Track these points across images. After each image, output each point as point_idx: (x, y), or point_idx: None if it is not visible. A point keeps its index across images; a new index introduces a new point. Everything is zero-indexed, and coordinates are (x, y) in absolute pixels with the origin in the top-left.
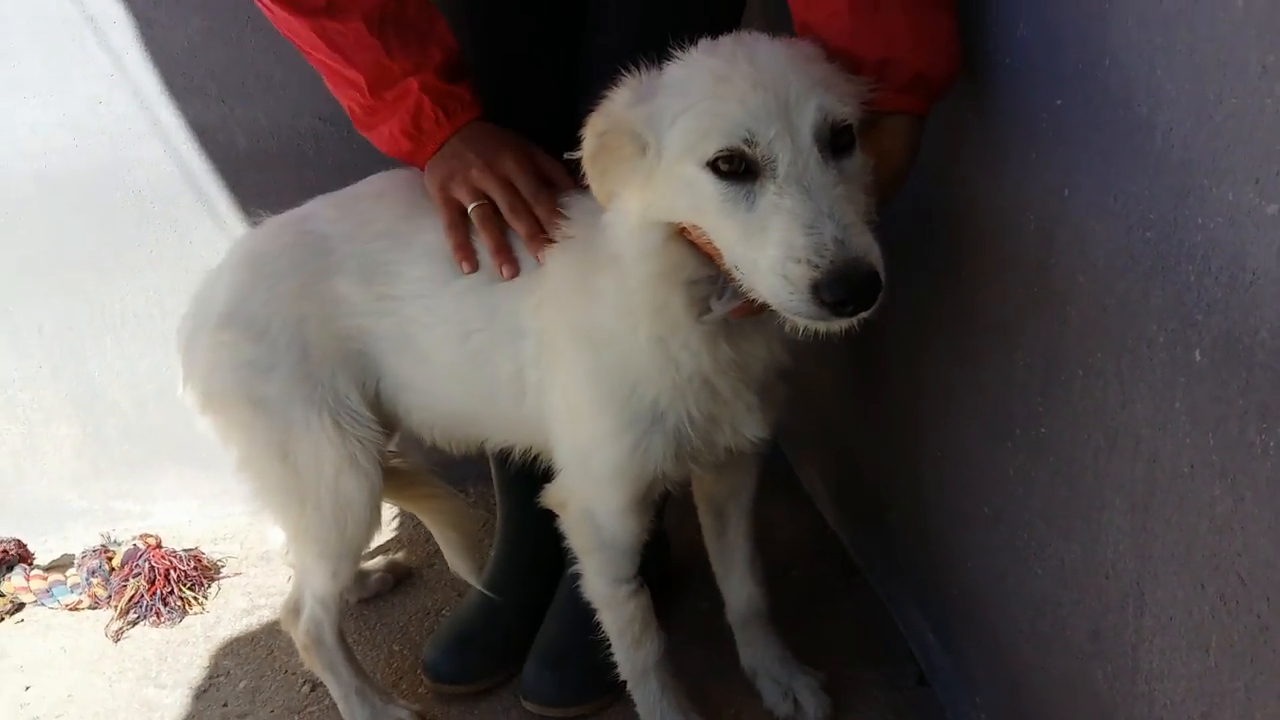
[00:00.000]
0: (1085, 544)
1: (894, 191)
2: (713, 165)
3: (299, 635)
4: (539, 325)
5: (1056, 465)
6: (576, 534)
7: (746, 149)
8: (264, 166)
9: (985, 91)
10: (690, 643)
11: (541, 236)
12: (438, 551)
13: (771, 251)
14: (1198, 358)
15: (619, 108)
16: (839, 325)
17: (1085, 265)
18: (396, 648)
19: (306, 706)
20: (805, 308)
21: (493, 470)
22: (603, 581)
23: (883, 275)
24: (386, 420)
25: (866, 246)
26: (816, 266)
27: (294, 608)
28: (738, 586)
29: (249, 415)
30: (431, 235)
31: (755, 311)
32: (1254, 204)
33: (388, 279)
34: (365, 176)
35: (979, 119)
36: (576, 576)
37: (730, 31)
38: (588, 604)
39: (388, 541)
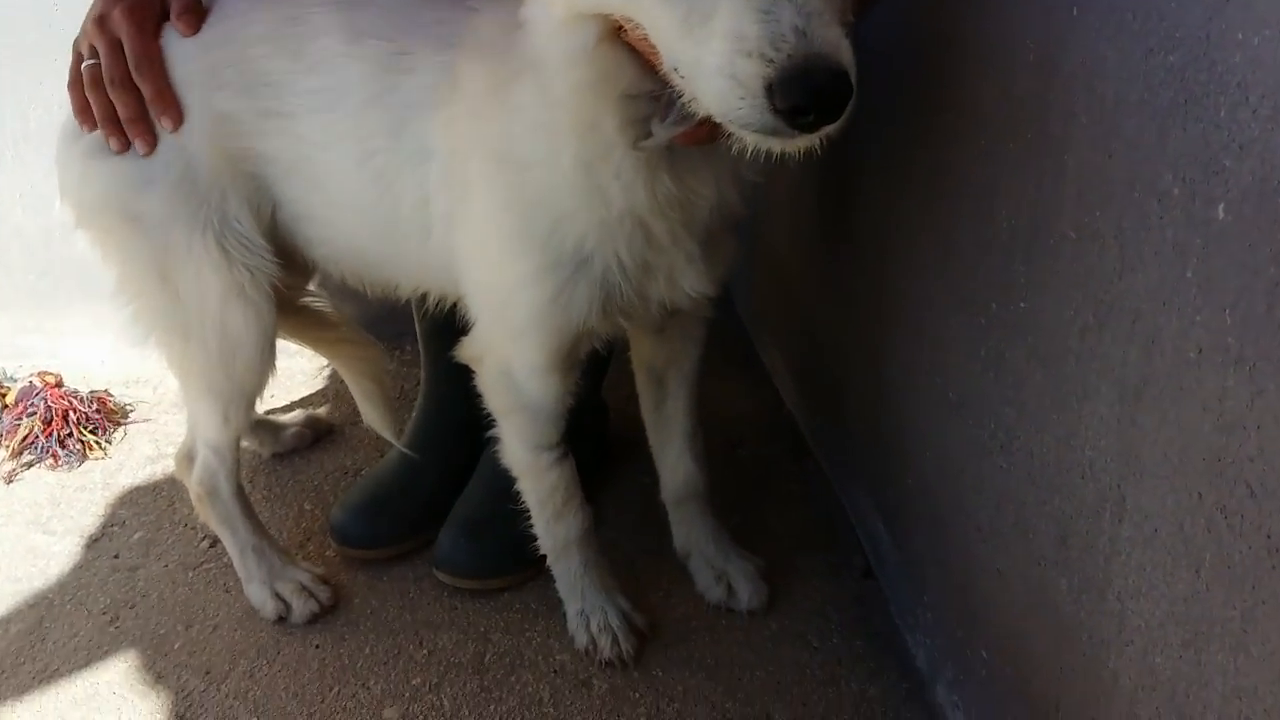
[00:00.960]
0: (1060, 437)
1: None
2: None
3: (192, 484)
4: (449, 145)
5: (1034, 345)
6: (493, 393)
7: None
8: None
9: None
10: (626, 519)
11: (141, 125)
12: None
13: (716, 45)
14: (1221, 214)
15: None
16: (798, 143)
17: (1090, 102)
18: (308, 506)
19: (203, 563)
20: (757, 116)
21: (415, 317)
22: (522, 447)
23: (853, 76)
24: (289, 252)
25: (834, 40)
26: (771, 61)
27: (187, 455)
28: (674, 463)
29: (124, 232)
30: (326, 40)
31: (705, 139)
32: None
33: (275, 93)
34: None
35: None
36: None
37: None
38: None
39: (311, 395)
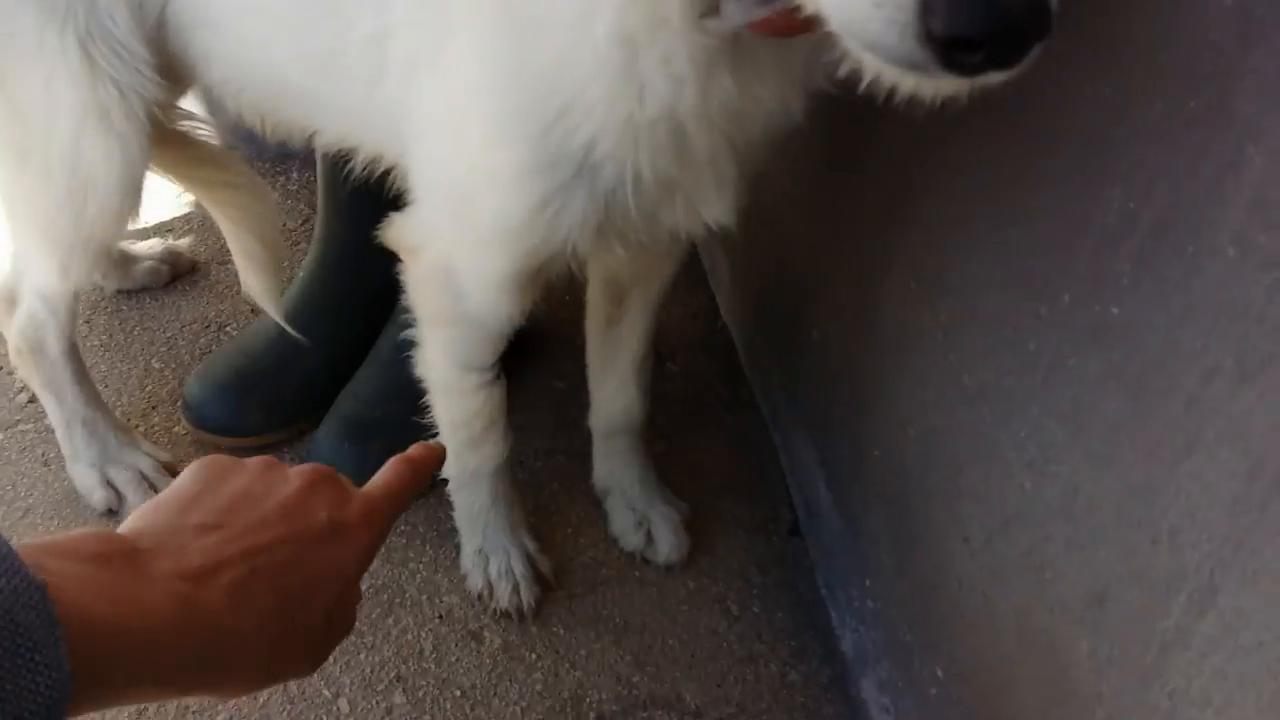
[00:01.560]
0: (1133, 487)
1: None
2: None
3: (11, 335)
4: None
5: (1122, 364)
6: (426, 296)
7: None
8: None
9: None
10: (534, 433)
11: None
12: None
13: None
14: None
15: None
16: (942, 86)
17: None
18: (156, 365)
19: (18, 422)
20: (895, 39)
21: (319, 171)
22: (449, 363)
23: (1054, 5)
24: (173, 66)
25: None
26: None
27: (8, 297)
28: (614, 390)
29: None
30: None
31: (789, 30)
32: None
33: None
34: None
35: None
36: (408, 343)
37: None
38: (412, 369)
39: (173, 220)
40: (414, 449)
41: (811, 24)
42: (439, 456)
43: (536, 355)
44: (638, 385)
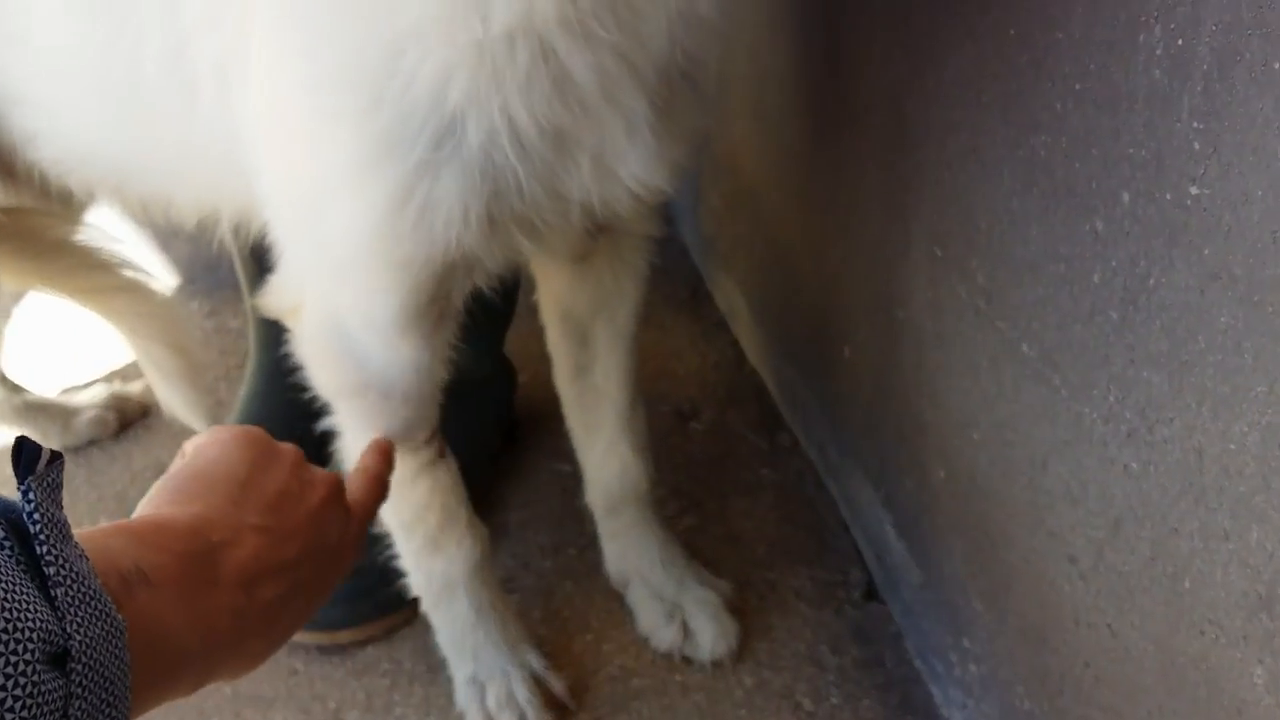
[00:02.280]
0: (1275, 425)
1: None
2: None
3: None
4: None
5: (1222, 262)
6: (320, 363)
7: None
8: None
9: None
10: (538, 528)
11: None
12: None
13: None
14: None
15: None
16: None
17: None
18: (105, 522)
19: None
20: None
21: (234, 260)
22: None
23: None
24: (6, 158)
25: None
26: None
27: None
28: (604, 454)
29: None
30: None
31: None
32: None
33: None
34: None
35: None
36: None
37: None
38: None
39: (126, 367)
40: (364, 456)
41: None
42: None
43: (532, 438)
44: (630, 443)
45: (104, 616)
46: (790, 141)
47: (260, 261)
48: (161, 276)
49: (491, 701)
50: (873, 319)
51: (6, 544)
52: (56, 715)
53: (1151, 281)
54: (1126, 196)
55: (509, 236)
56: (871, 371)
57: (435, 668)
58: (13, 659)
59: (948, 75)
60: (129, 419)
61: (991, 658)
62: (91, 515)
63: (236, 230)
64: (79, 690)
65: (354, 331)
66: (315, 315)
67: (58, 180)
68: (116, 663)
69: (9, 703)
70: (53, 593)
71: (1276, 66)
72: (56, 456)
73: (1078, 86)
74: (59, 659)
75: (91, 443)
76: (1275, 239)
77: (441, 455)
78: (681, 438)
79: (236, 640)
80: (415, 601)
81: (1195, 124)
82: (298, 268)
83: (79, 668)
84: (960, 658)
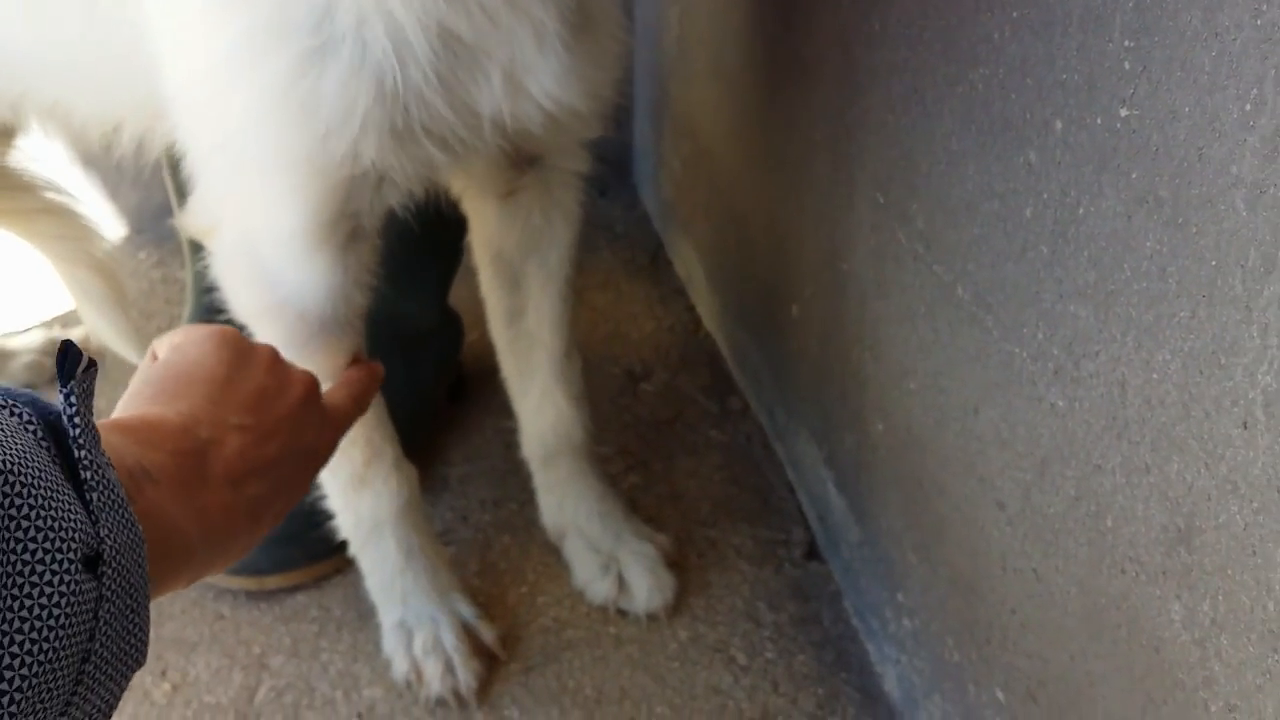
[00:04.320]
0: (1196, 350)
1: None
2: None
3: None
4: None
5: (1149, 185)
6: (236, 284)
7: None
8: None
9: None
10: (478, 481)
11: None
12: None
13: None
14: None
15: None
16: None
17: None
18: None
19: None
20: None
21: (169, 185)
22: None
23: None
24: None
25: None
26: None
27: None
28: (539, 402)
29: None
30: None
31: None
32: None
33: None
34: None
35: None
36: None
37: None
38: None
39: (64, 315)
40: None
41: None
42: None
43: (479, 393)
44: (565, 392)
45: (129, 524)
46: (746, 100)
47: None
48: (109, 224)
49: (418, 648)
50: (819, 275)
51: (45, 444)
52: (89, 617)
53: (1081, 211)
54: (1059, 124)
55: (416, 148)
56: (817, 328)
57: (365, 615)
58: (57, 557)
59: (893, 17)
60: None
61: (924, 610)
62: None
63: (170, 157)
64: (108, 594)
65: (265, 249)
66: (229, 234)
67: None
68: (138, 568)
69: (54, 598)
70: (87, 496)
71: None
72: (92, 364)
73: (1014, 14)
74: (91, 562)
75: (28, 386)
76: (1201, 156)
77: None
78: (631, 398)
79: (228, 536)
80: (344, 548)
81: (1126, 42)
82: (210, 183)
83: (109, 571)
84: (894, 613)
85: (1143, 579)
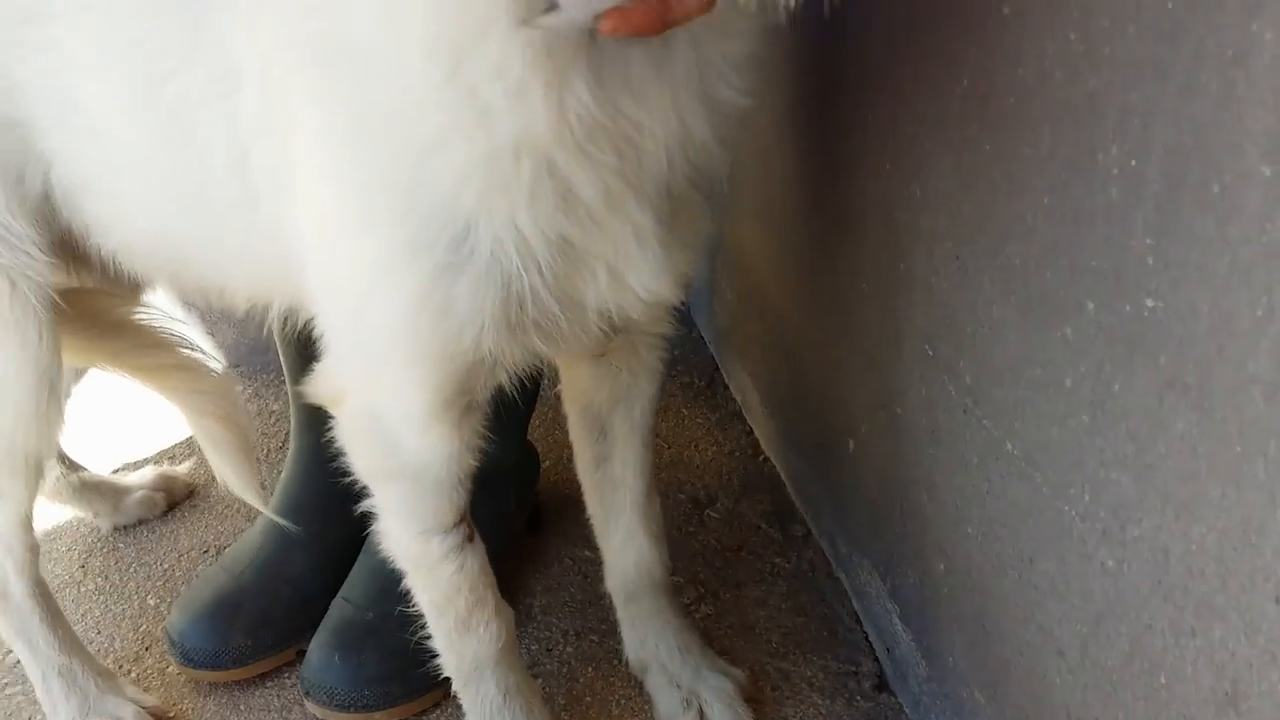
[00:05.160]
0: (1230, 527)
1: None
2: None
3: None
4: (260, 55)
5: (1176, 372)
6: (359, 450)
7: None
8: None
9: None
10: (561, 612)
11: None
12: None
13: None
14: None
15: None
16: None
17: None
18: (153, 601)
19: (5, 685)
20: None
21: (283, 363)
22: (405, 530)
23: None
24: (68, 240)
25: None
26: None
27: None
28: (623, 542)
29: None
30: None
31: (649, 25)
32: None
33: None
34: None
35: None
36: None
37: None
38: None
39: (173, 447)
40: None
41: (679, 14)
42: None
43: (556, 524)
44: (648, 531)
45: None
46: (795, 245)
47: (302, 349)
48: (208, 359)
49: None
50: (873, 415)
51: None
52: None
53: (1116, 387)
54: (1091, 306)
55: (527, 339)
56: (874, 465)
57: None
58: None
59: (931, 186)
60: (176, 499)
61: None
62: (139, 594)
63: (284, 319)
64: None
65: (389, 420)
66: (355, 404)
67: (121, 264)
68: None
69: None
70: None
71: (1215, 189)
72: None
73: (1046, 200)
74: None
75: (140, 521)
76: (1221, 352)
77: (470, 539)
78: (698, 526)
79: None
80: (446, 683)
81: (1148, 240)
82: (340, 359)
83: None
84: None
85: None
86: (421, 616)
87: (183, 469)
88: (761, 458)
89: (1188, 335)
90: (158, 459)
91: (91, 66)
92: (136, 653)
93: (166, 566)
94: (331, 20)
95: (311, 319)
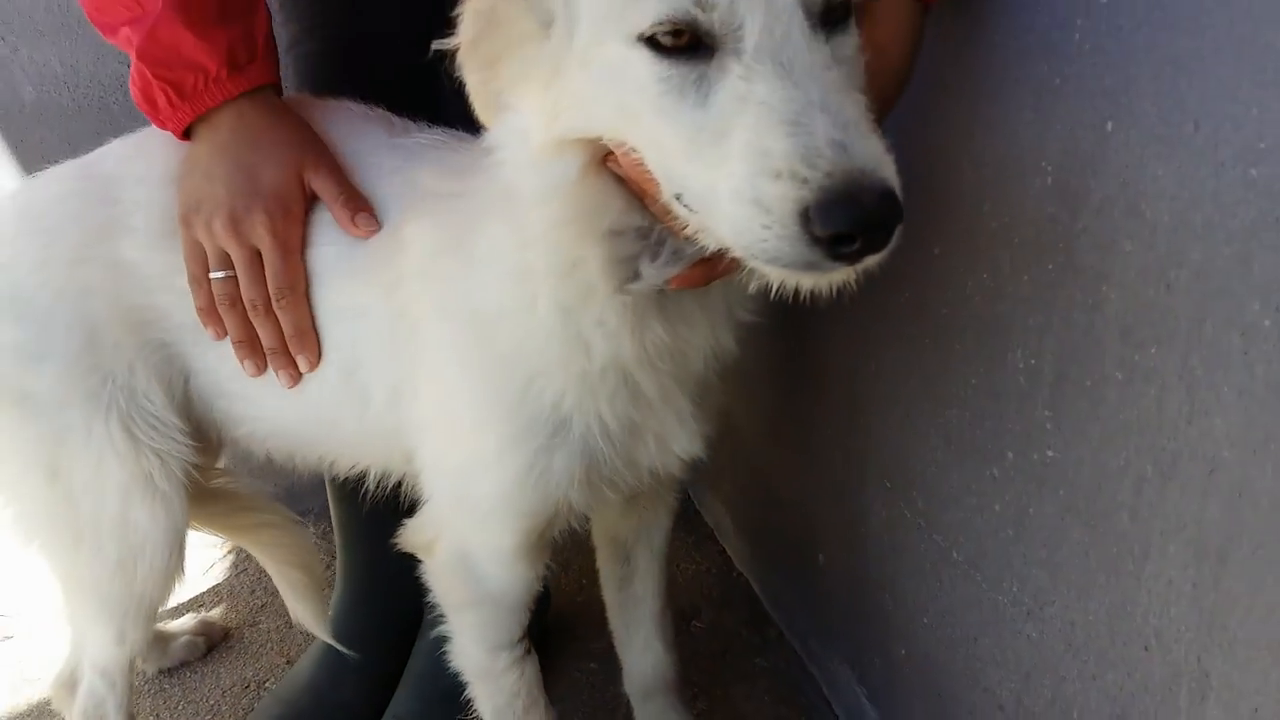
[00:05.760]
0: (1113, 604)
1: (890, 102)
2: (649, 40)
3: (74, 716)
4: (394, 307)
5: (1071, 500)
6: (448, 585)
7: (699, 12)
8: (54, 121)
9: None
10: (569, 717)
11: (284, 357)
12: (263, 608)
13: (736, 167)
14: None
15: None
16: (834, 277)
17: (1136, 227)
18: None
19: None
20: (788, 248)
21: (330, 498)
22: (479, 647)
23: (900, 196)
24: (203, 429)
25: (877, 154)
26: (806, 181)
27: (68, 681)
28: (642, 650)
29: (8, 417)
30: None
31: (700, 281)
32: None
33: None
34: None
35: (974, 32)
36: (438, 640)
37: None
38: (450, 673)
39: (201, 594)
40: None
41: (720, 272)
42: None
43: (562, 640)
44: (662, 640)
45: None
46: (764, 393)
47: (351, 501)
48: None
49: None
50: (841, 534)
51: None
52: None
53: (1031, 510)
54: (1010, 454)
55: (599, 492)
56: (844, 576)
57: None
58: None
59: (885, 365)
60: (214, 641)
61: None
62: None
63: (377, 481)
64: None
65: (479, 560)
66: (447, 548)
67: (242, 446)
68: None
69: None
70: None
71: (1088, 382)
72: None
73: (973, 381)
74: None
75: (184, 664)
76: (1100, 488)
77: (529, 652)
78: (687, 635)
79: None
80: None
81: (1046, 412)
82: (439, 515)
83: None
84: None
85: None
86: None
87: (216, 614)
88: (735, 573)
89: (1077, 476)
90: (192, 606)
91: None
92: None
93: (213, 702)
94: (475, 292)
95: (389, 479)
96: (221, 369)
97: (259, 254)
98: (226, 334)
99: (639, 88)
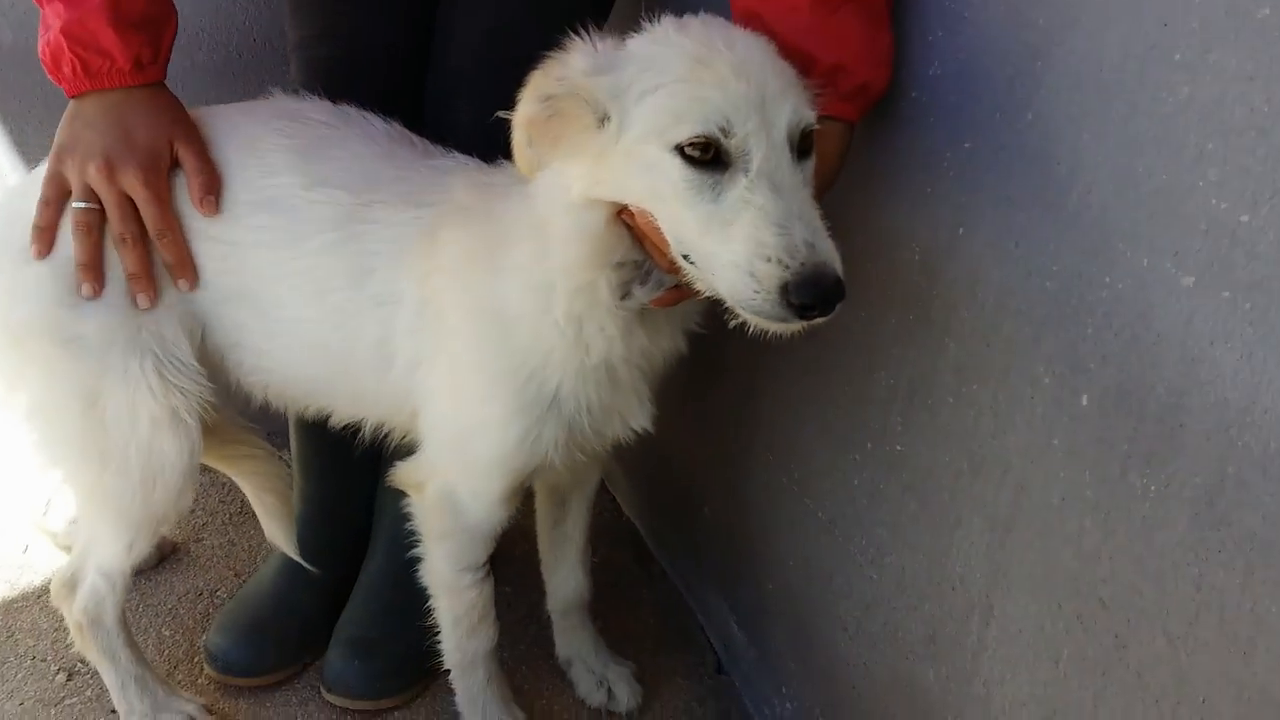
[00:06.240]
0: (932, 556)
1: (827, 189)
2: (682, 150)
3: (74, 613)
4: (421, 296)
5: (910, 481)
6: (432, 517)
7: (722, 138)
8: (34, 64)
9: (887, 122)
10: (505, 630)
11: (146, 280)
12: (205, 525)
13: (739, 248)
14: (1084, 403)
15: (577, 74)
16: (795, 327)
17: (971, 302)
18: (167, 632)
19: (64, 698)
20: (769, 308)
21: (292, 433)
22: (450, 568)
23: (845, 281)
24: (215, 374)
25: (833, 252)
26: (787, 267)
27: (70, 581)
28: (567, 576)
29: (54, 356)
30: (284, 179)
31: (672, 302)
32: (1170, 274)
33: (221, 218)
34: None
35: (878, 146)
36: (389, 555)
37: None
38: (401, 586)
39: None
40: None
41: (686, 296)
42: None
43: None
44: (583, 568)
45: None
46: (676, 377)
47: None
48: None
49: None
50: (725, 494)
51: None
52: None
53: (882, 487)
54: (869, 445)
55: (572, 454)
56: (724, 527)
57: None
58: None
59: (782, 367)
60: (164, 554)
61: (801, 697)
62: (154, 627)
63: (372, 431)
64: None
65: (463, 499)
66: (438, 488)
67: (246, 391)
68: None
69: None
70: None
71: (930, 402)
72: None
73: (847, 388)
74: None
75: (138, 574)
76: (931, 472)
77: (489, 574)
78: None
79: None
80: (426, 678)
81: (898, 418)
82: (435, 461)
83: None
84: (780, 700)
85: (914, 661)
86: (422, 625)
87: (165, 531)
88: (624, 518)
89: (916, 465)
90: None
91: (267, 277)
92: (168, 671)
93: (170, 606)
94: (498, 295)
95: (383, 430)
96: (246, 326)
97: (127, 198)
98: (48, 252)
99: (670, 182)
